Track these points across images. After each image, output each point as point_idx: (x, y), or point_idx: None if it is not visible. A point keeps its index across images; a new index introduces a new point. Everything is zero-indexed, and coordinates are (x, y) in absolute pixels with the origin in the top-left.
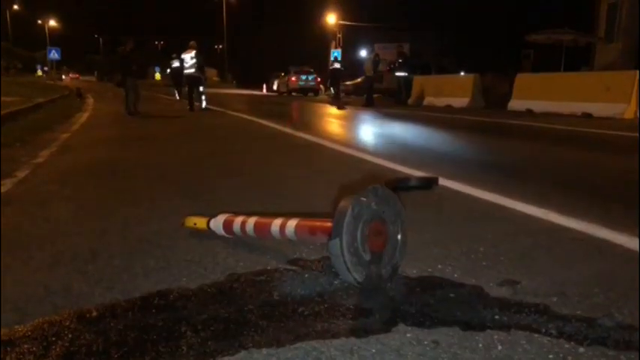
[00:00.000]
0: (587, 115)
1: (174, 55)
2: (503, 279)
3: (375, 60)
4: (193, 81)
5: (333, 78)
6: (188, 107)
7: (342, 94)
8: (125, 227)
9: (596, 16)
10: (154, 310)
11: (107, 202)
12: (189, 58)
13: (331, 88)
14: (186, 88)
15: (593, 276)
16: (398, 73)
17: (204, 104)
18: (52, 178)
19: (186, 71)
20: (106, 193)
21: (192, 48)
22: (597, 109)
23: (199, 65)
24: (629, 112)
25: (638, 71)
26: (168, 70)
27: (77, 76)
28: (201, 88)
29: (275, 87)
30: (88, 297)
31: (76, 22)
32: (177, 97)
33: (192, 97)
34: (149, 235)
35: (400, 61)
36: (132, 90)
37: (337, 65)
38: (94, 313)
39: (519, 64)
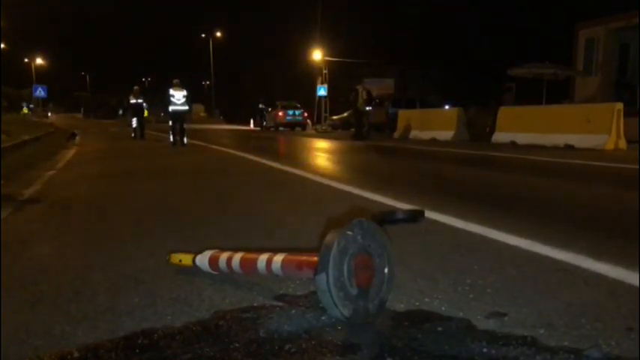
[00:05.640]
0: (570, 147)
1: (136, 88)
2: (491, 311)
3: (354, 95)
4: (181, 117)
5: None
6: (171, 143)
7: (329, 128)
8: (109, 265)
9: (574, 51)
10: (137, 350)
11: (91, 240)
12: (181, 96)
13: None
14: (170, 124)
15: (580, 307)
16: (368, 108)
17: (185, 140)
18: (36, 217)
19: (176, 108)
20: (90, 230)
21: (179, 86)
22: (579, 140)
23: (189, 103)
24: (610, 144)
25: (616, 103)
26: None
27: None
28: (184, 125)
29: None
30: (71, 337)
31: (62, 59)
32: (133, 135)
33: (176, 132)
34: (134, 273)
35: (364, 97)
36: None
37: (261, 106)
38: (76, 355)
39: (502, 98)
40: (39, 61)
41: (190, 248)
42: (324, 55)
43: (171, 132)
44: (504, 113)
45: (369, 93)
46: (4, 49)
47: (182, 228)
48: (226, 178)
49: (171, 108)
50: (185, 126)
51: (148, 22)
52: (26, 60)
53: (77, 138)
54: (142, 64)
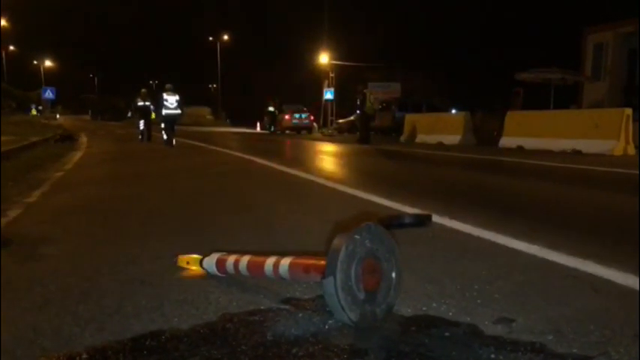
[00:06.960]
0: (577, 152)
1: (144, 90)
2: (499, 317)
3: (361, 98)
4: (174, 120)
5: (273, 118)
6: (168, 145)
7: (335, 132)
8: (117, 267)
9: (582, 56)
10: (145, 352)
11: (99, 242)
12: (174, 100)
13: (271, 127)
14: (163, 126)
15: (588, 313)
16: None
17: (174, 141)
18: (44, 218)
19: (169, 112)
20: (97, 232)
21: (171, 91)
22: (587, 146)
23: (181, 107)
24: (619, 149)
25: (625, 109)
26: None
27: None
28: (174, 127)
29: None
30: (79, 338)
31: (71, 62)
32: (140, 137)
33: (169, 133)
34: (141, 275)
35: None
36: None
37: (271, 109)
38: (84, 356)
39: (509, 102)
40: (48, 63)
41: (197, 251)
42: (331, 58)
43: (164, 133)
44: (512, 118)
45: (360, 96)
46: (13, 50)
47: (188, 230)
48: (232, 181)
49: (164, 112)
50: (175, 128)
51: (155, 24)
52: (35, 62)
53: (82, 140)
54: (150, 67)
